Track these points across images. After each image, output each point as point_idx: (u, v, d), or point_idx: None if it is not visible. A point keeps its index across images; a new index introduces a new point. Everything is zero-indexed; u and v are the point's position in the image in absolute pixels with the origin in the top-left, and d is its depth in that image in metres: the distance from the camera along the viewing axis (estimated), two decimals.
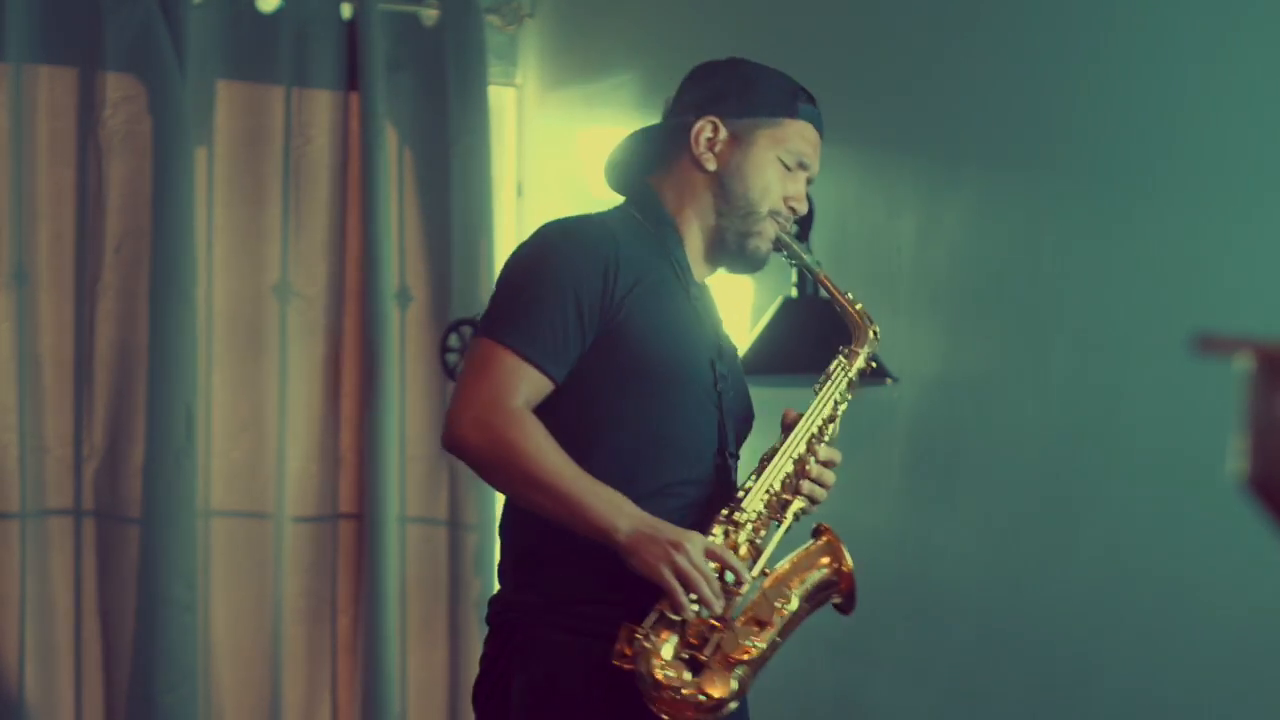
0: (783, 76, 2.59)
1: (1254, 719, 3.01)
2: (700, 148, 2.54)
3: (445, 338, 3.75)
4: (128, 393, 3.95)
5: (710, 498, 2.49)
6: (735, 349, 2.68)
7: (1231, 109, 3.06)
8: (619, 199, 2.64)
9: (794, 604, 2.47)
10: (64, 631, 3.94)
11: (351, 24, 4.17)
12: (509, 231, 4.38)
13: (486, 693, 2.50)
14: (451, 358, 3.72)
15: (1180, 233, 3.11)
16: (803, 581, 2.49)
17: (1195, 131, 3.10)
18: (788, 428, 2.52)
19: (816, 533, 2.53)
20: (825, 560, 2.50)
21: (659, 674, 2.36)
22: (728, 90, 2.56)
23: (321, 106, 4.16)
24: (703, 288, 2.60)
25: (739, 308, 3.80)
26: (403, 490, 4.16)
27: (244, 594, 4.06)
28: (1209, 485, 2.72)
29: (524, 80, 4.44)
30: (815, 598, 2.50)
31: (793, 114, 2.55)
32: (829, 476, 2.52)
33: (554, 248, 2.46)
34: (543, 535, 2.44)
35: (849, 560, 2.50)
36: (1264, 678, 2.98)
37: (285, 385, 4.10)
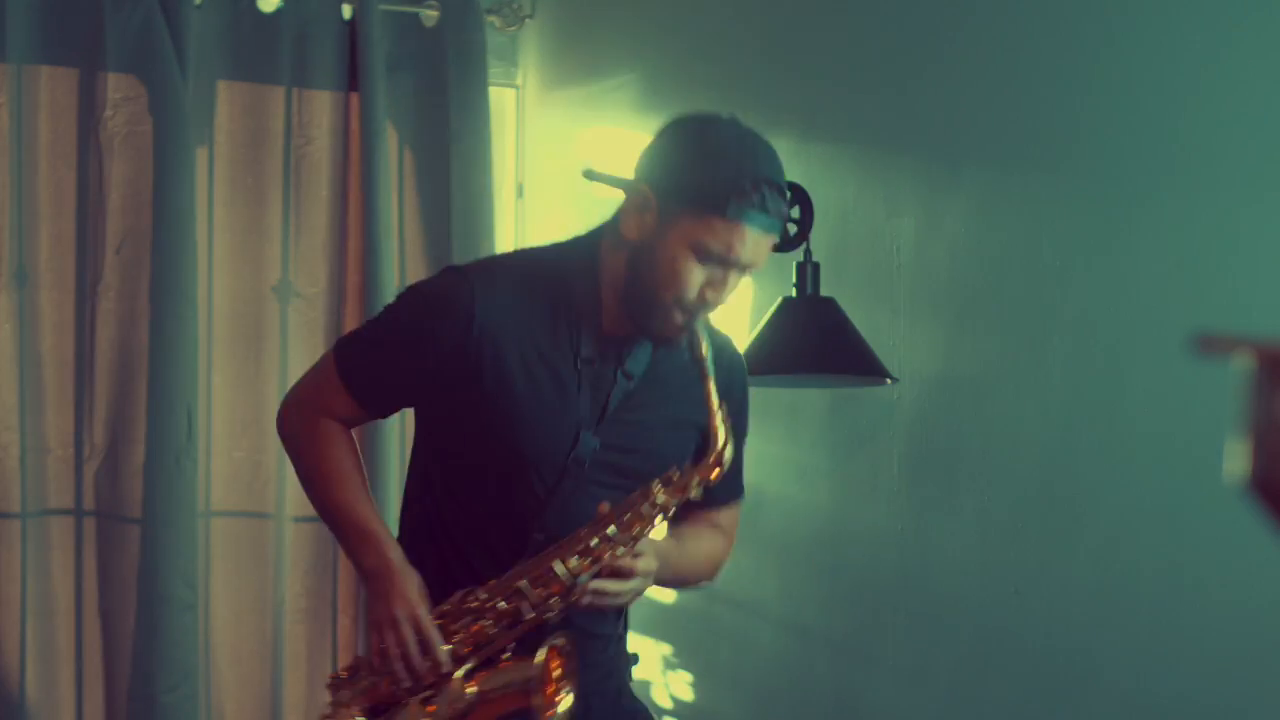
0: (737, 165, 2.37)
1: (1254, 719, 3.01)
2: (629, 213, 2.42)
3: None
4: (128, 393, 3.95)
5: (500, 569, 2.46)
6: (731, 379, 2.56)
7: (1232, 109, 3.06)
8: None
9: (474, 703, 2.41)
10: (65, 631, 3.94)
11: (352, 24, 4.17)
12: (509, 232, 4.38)
13: None
14: None
15: (1180, 233, 3.12)
16: (491, 681, 2.41)
17: (1195, 132, 3.10)
18: (596, 520, 2.40)
19: (548, 652, 2.37)
20: (527, 677, 2.36)
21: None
22: (675, 164, 2.41)
23: (322, 107, 4.16)
24: (607, 344, 2.47)
25: (739, 308, 3.80)
26: (402, 490, 4.16)
27: (244, 594, 4.06)
28: (1209, 485, 2.72)
29: (524, 81, 4.44)
30: (506, 698, 2.40)
31: (721, 214, 2.35)
32: (590, 599, 2.40)
33: (409, 308, 2.52)
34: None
35: (562, 705, 2.36)
36: (1264, 678, 2.98)
37: (286, 385, 4.10)
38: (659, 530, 2.46)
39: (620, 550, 2.38)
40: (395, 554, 2.47)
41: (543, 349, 2.45)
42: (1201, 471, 2.99)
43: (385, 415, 2.70)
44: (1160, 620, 3.12)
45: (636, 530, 2.39)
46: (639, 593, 2.44)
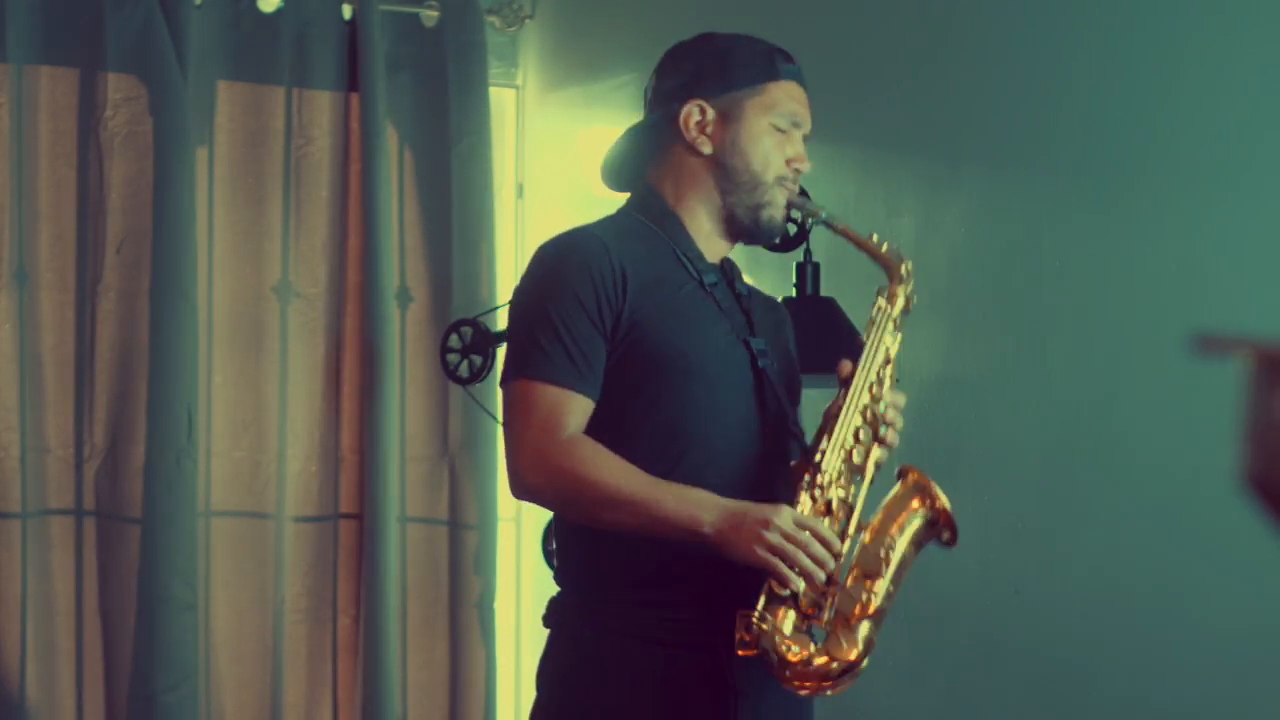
0: (756, 41, 2.58)
1: (1253, 719, 3.01)
2: (692, 132, 2.52)
3: (445, 338, 3.75)
4: (129, 393, 3.95)
5: (754, 484, 2.47)
6: (779, 316, 2.68)
7: (1232, 109, 3.06)
8: (620, 197, 2.64)
9: (899, 550, 2.46)
10: (65, 631, 3.94)
11: (352, 24, 4.17)
12: (509, 232, 4.38)
13: (541, 687, 2.54)
14: (452, 358, 3.71)
15: (1180, 233, 3.12)
16: (902, 527, 2.48)
17: (1195, 132, 3.10)
18: (845, 381, 2.49)
19: (902, 474, 2.50)
20: (917, 501, 2.48)
21: (786, 652, 2.35)
22: (705, 69, 2.55)
23: (322, 107, 4.16)
24: (725, 269, 2.59)
25: None
26: (403, 490, 4.16)
27: (244, 594, 4.06)
28: (1209, 485, 2.72)
29: (524, 81, 4.44)
30: (918, 539, 2.49)
31: (775, 76, 2.54)
32: (900, 419, 2.50)
33: (543, 273, 2.46)
34: (578, 534, 2.46)
35: (942, 496, 2.48)
36: (1264, 678, 2.98)
37: (286, 385, 4.10)
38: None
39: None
40: (719, 498, 2.37)
41: (675, 281, 2.49)
42: (1201, 471, 2.99)
43: (599, 393, 2.45)
44: (1160, 620, 3.12)
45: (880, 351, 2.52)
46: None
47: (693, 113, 2.52)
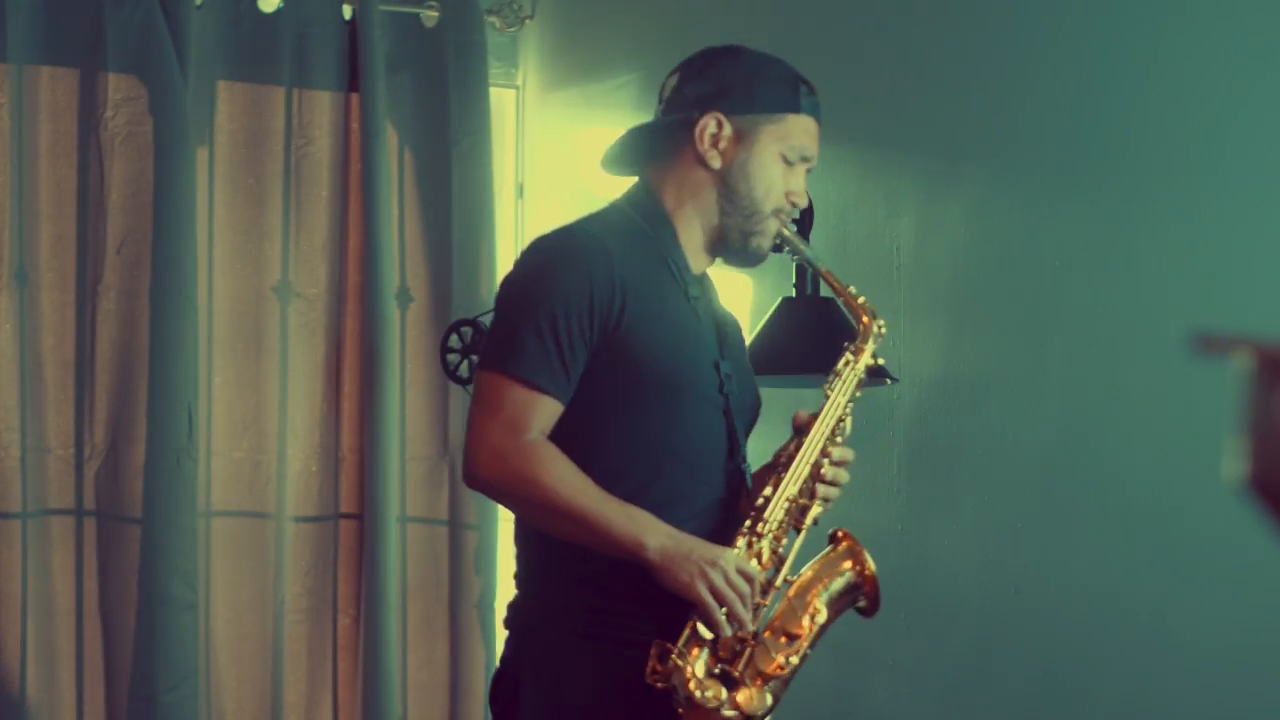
0: (785, 67, 2.57)
1: (1253, 719, 3.01)
2: (705, 144, 2.51)
3: (445, 338, 3.75)
4: (129, 393, 3.95)
5: (721, 504, 2.49)
6: (740, 338, 2.69)
7: (1232, 109, 3.06)
8: (619, 196, 2.63)
9: (822, 613, 2.47)
10: (65, 631, 3.94)
11: (352, 24, 4.17)
12: (509, 232, 4.38)
13: (502, 693, 2.51)
14: (452, 358, 3.72)
15: (1180, 233, 3.12)
16: (827, 588, 2.49)
17: (1195, 131, 3.10)
18: (800, 429, 2.51)
19: (834, 539, 2.53)
20: (847, 565, 2.51)
21: (695, 692, 2.36)
22: (732, 84, 2.53)
23: (322, 107, 4.16)
24: (703, 283, 2.59)
25: (739, 308, 3.80)
26: (403, 490, 4.16)
27: (245, 594, 4.06)
28: (1208, 485, 2.72)
29: (524, 81, 4.44)
30: (839, 603, 2.51)
31: (796, 109, 2.53)
32: (844, 476, 2.52)
33: (542, 269, 2.45)
34: (555, 541, 2.45)
35: (871, 564, 2.51)
36: (1263, 678, 2.98)
37: (286, 385, 4.10)
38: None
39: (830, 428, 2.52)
40: (666, 525, 2.39)
41: (665, 292, 2.50)
42: (1201, 471, 2.99)
43: (570, 398, 2.45)
44: (1159, 620, 3.12)
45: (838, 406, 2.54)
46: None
47: (709, 125, 2.51)
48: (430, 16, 4.26)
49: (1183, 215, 3.11)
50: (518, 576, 2.54)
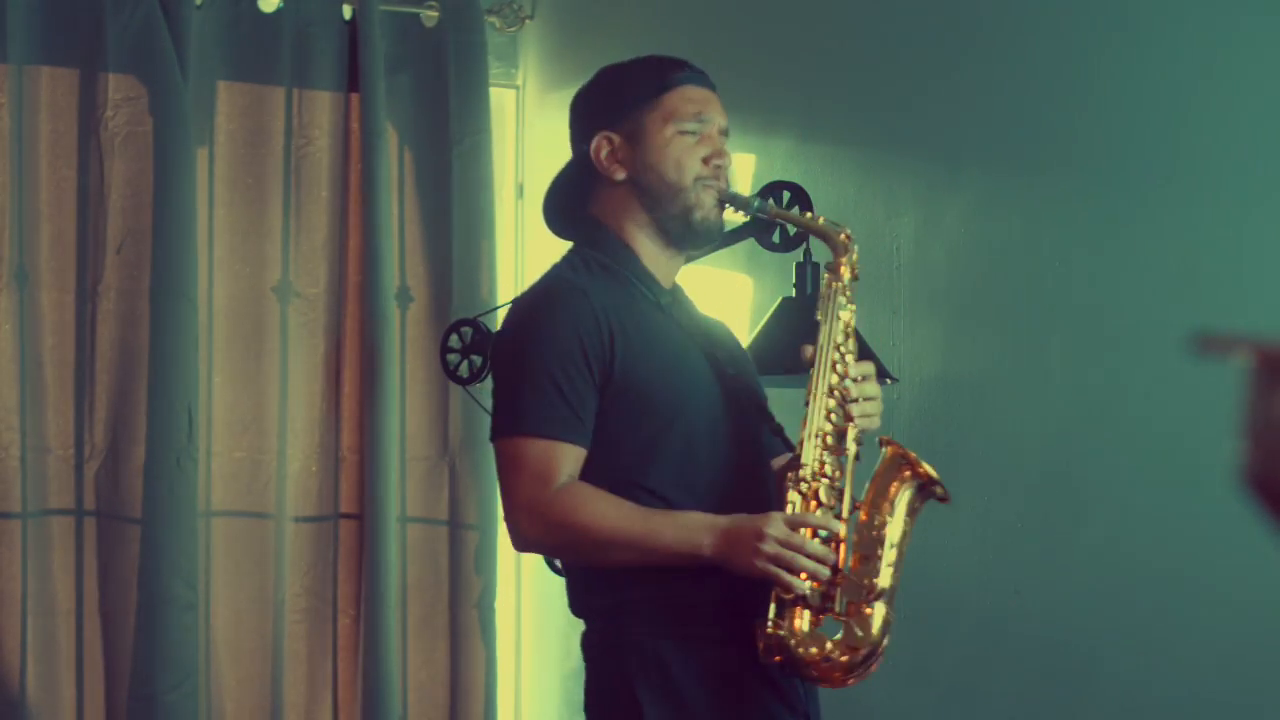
0: (647, 60, 2.63)
1: (1253, 719, 3.01)
2: (605, 164, 2.57)
3: (445, 338, 3.75)
4: (129, 393, 3.95)
5: (751, 487, 2.52)
6: (730, 335, 2.72)
7: (1232, 109, 3.06)
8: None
9: (896, 525, 2.47)
10: (65, 631, 3.94)
11: (352, 24, 4.17)
12: (509, 232, 4.38)
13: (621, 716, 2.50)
14: (452, 358, 3.71)
15: (1180, 233, 3.12)
16: (893, 500, 2.49)
17: (1195, 131, 3.11)
18: (809, 362, 2.52)
19: (882, 444, 2.52)
20: (903, 472, 2.50)
21: (804, 653, 2.38)
22: (601, 102, 2.61)
23: (322, 107, 4.16)
24: (674, 291, 2.63)
25: (739, 308, 3.80)
26: (403, 490, 4.16)
27: (245, 594, 4.06)
28: (1209, 485, 2.72)
29: (524, 81, 4.44)
30: (912, 509, 2.50)
31: (667, 87, 2.57)
32: (871, 389, 2.53)
33: (528, 327, 2.50)
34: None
35: (924, 464, 2.51)
36: (1264, 678, 2.99)
37: (286, 385, 4.10)
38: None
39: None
40: (711, 517, 2.41)
41: (644, 316, 2.53)
42: (1201, 471, 2.99)
43: (590, 442, 2.49)
44: (1160, 620, 3.12)
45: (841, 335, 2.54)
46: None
47: (601, 146, 2.58)
48: (430, 16, 4.26)
49: (1182, 215, 3.11)
50: (589, 618, 2.55)
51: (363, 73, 4.13)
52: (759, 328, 3.43)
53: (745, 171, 3.86)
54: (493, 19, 4.36)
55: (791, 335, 3.37)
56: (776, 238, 3.15)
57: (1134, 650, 3.15)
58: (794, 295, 3.40)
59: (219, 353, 4.06)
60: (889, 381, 3.39)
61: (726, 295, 3.83)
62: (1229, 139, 3.05)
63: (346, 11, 4.17)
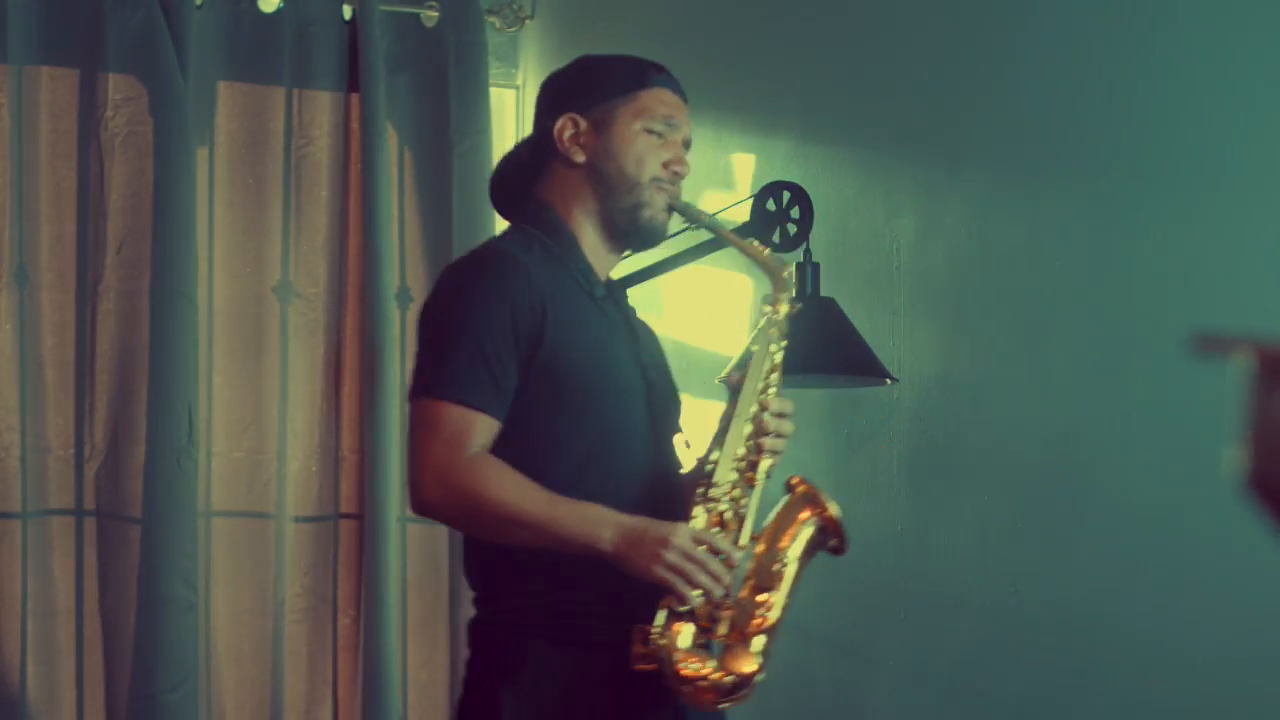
0: (629, 57, 2.63)
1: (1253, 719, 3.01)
2: (566, 144, 2.57)
3: None
4: (129, 393, 3.95)
5: (664, 487, 2.52)
6: (653, 334, 2.72)
7: (1232, 109, 3.06)
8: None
9: (792, 562, 2.48)
10: (65, 631, 3.94)
11: (352, 24, 4.17)
12: None
13: (475, 709, 2.51)
14: None
15: (1180, 233, 3.12)
16: (793, 537, 2.50)
17: (1195, 131, 3.10)
18: (734, 389, 2.54)
19: (789, 487, 2.53)
20: (807, 511, 2.51)
21: (682, 668, 2.37)
22: (576, 85, 2.61)
23: (322, 107, 4.16)
24: (609, 286, 2.64)
25: (739, 308, 3.80)
26: (403, 490, 4.16)
27: (245, 593, 4.06)
28: (1209, 484, 2.72)
29: (524, 81, 4.44)
30: (808, 549, 2.51)
31: (645, 85, 2.58)
32: (787, 426, 2.54)
33: (461, 290, 2.49)
34: (510, 552, 2.47)
35: (831, 505, 2.51)
36: (1264, 678, 2.99)
37: (286, 385, 4.10)
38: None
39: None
40: (618, 515, 2.40)
41: (579, 301, 2.53)
42: (1201, 471, 2.99)
43: (506, 414, 2.47)
44: (1160, 620, 3.12)
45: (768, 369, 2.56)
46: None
47: (566, 126, 2.58)
48: (430, 16, 4.26)
49: (1183, 215, 3.11)
50: (476, 592, 2.55)
51: (363, 73, 4.13)
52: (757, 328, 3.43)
53: (745, 171, 3.86)
54: (493, 19, 4.36)
55: (791, 335, 3.38)
56: (776, 238, 3.15)
57: (1133, 650, 3.15)
58: (794, 295, 3.40)
59: (219, 353, 4.06)
60: (888, 382, 3.39)
61: (726, 295, 3.83)
62: (1229, 139, 3.05)
63: (346, 11, 4.17)
